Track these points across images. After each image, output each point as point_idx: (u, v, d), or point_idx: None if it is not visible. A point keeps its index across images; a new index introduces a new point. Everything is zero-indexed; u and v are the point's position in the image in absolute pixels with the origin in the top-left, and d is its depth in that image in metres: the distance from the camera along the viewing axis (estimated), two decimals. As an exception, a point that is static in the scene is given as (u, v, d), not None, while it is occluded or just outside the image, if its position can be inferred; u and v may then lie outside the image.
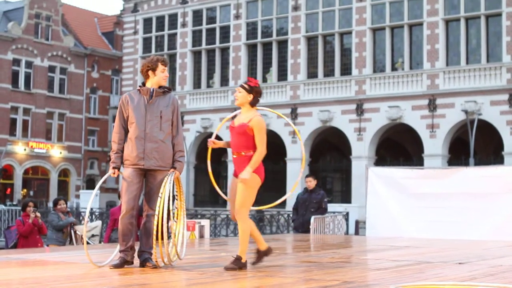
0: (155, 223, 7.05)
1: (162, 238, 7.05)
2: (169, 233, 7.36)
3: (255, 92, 7.34)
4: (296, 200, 15.16)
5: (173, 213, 7.50)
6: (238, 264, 7.08)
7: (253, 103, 7.37)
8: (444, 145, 34.58)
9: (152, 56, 7.74)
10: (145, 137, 7.34)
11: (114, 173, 7.41)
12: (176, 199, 7.65)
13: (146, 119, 7.37)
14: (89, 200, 7.73)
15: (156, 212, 7.06)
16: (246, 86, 7.36)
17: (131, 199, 7.32)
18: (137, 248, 7.45)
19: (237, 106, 7.41)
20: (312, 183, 14.74)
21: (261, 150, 7.27)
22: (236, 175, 7.35)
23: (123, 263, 7.30)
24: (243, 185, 7.16)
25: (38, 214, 12.55)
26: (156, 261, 7.20)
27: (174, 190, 7.56)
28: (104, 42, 56.32)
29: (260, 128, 7.25)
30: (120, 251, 7.36)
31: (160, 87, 7.53)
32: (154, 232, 7.05)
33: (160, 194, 7.12)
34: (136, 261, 7.39)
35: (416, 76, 35.44)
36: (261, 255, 7.55)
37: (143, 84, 7.56)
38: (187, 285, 6.28)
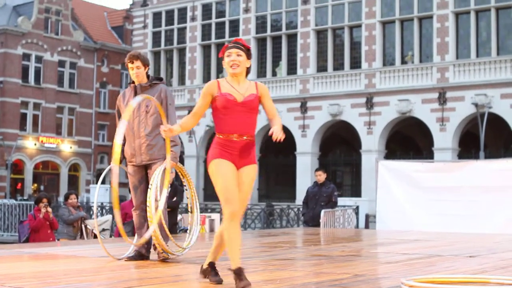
0: (148, 214, 7.09)
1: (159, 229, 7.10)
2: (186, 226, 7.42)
3: (250, 57, 5.69)
4: (306, 193, 15.16)
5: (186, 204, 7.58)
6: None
7: (248, 73, 5.70)
8: (454, 139, 34.50)
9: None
10: (133, 134, 7.44)
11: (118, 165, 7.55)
12: (186, 189, 7.69)
13: (134, 115, 7.43)
14: (95, 193, 7.85)
15: (148, 205, 7.10)
16: (244, 48, 5.62)
17: (138, 194, 7.49)
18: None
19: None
20: (322, 176, 14.73)
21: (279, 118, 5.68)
22: (238, 165, 5.50)
23: (138, 256, 7.42)
24: (252, 181, 5.62)
25: (50, 209, 12.60)
26: (162, 253, 7.29)
27: (170, 181, 7.60)
28: (113, 37, 56.39)
29: (268, 93, 5.72)
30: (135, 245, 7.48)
31: (149, 80, 7.56)
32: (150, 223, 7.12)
33: (150, 186, 7.16)
34: (153, 255, 7.51)
35: (426, 69, 35.35)
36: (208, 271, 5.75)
37: (133, 81, 7.64)
38: (197, 278, 6.28)
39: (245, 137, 5.47)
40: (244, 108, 5.48)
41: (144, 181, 7.50)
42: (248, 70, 5.64)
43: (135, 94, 7.49)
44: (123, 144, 7.56)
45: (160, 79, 7.67)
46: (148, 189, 7.19)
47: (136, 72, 7.51)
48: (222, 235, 5.54)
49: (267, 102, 5.64)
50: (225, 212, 5.38)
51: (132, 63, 7.51)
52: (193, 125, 5.79)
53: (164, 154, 7.43)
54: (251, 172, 5.55)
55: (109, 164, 45.76)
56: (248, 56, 5.63)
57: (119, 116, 7.63)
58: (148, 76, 7.62)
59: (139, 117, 7.45)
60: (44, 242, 12.02)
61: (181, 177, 7.70)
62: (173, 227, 11.39)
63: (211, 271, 5.70)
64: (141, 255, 7.46)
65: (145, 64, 7.58)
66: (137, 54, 7.61)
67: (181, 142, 38.30)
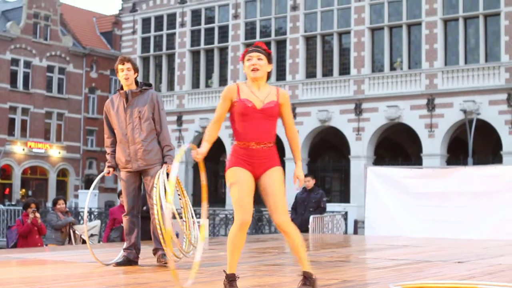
0: (155, 215, 7.08)
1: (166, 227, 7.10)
2: (176, 231, 7.42)
3: (271, 61, 5.49)
4: (295, 199, 15.17)
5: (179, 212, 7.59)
6: (311, 283, 5.47)
7: (269, 78, 5.51)
8: (443, 145, 34.58)
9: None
10: (128, 140, 7.42)
11: (108, 173, 7.59)
12: (180, 198, 7.69)
13: (126, 122, 7.43)
14: (86, 199, 7.85)
15: (154, 203, 7.08)
16: (264, 52, 5.43)
17: (130, 199, 7.46)
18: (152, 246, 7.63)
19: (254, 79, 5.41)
20: (310, 182, 14.75)
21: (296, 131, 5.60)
22: (258, 172, 5.37)
23: (126, 262, 7.41)
24: (281, 182, 5.45)
25: (38, 215, 12.55)
26: (162, 260, 7.29)
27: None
28: (102, 42, 56.30)
29: (289, 102, 5.55)
30: (124, 249, 7.48)
31: (138, 86, 7.55)
32: (158, 226, 7.10)
33: (154, 185, 7.16)
34: (145, 259, 7.51)
35: (414, 76, 35.44)
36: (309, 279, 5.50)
37: (122, 87, 7.60)
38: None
39: (262, 145, 5.31)
40: (263, 115, 5.29)
41: (137, 187, 7.52)
42: (269, 75, 5.43)
43: (126, 100, 7.47)
44: (114, 152, 7.58)
45: (149, 85, 7.66)
46: (154, 189, 7.18)
47: (126, 74, 7.47)
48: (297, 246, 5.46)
49: (287, 111, 5.48)
50: (235, 219, 5.29)
51: (123, 64, 7.50)
52: (218, 133, 5.51)
53: (160, 158, 7.44)
54: (274, 174, 5.36)
55: (97, 169, 45.37)
56: (269, 60, 5.41)
57: (107, 122, 7.61)
58: (137, 83, 7.61)
59: (133, 123, 7.43)
60: (32, 247, 11.98)
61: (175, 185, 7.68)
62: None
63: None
64: (129, 260, 7.45)
65: (135, 68, 7.57)
66: (128, 57, 7.64)
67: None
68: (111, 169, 7.58)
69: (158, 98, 7.55)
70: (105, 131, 7.64)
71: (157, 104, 7.50)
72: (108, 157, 7.63)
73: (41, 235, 12.67)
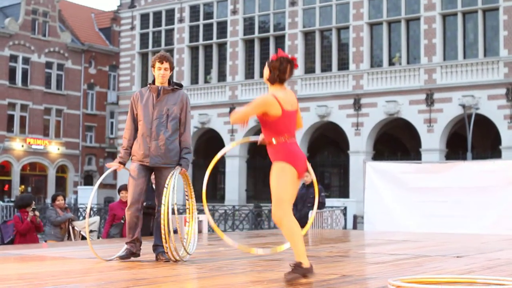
0: (162, 216, 7.13)
1: (170, 231, 7.14)
2: (174, 227, 7.44)
3: (272, 67, 6.13)
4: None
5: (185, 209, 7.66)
6: (299, 271, 5.77)
7: (272, 80, 6.11)
8: (442, 140, 34.60)
9: (160, 51, 7.80)
10: (151, 135, 7.41)
11: (119, 168, 7.55)
12: (187, 198, 7.71)
13: (153, 117, 7.44)
14: (91, 195, 7.84)
15: (163, 203, 7.13)
16: (268, 60, 6.22)
17: (136, 193, 7.44)
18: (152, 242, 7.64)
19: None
20: (309, 177, 14.74)
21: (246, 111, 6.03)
22: (302, 165, 6.04)
23: (130, 255, 7.45)
24: (273, 177, 5.99)
25: (37, 213, 12.54)
26: (168, 255, 7.28)
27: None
28: (101, 38, 56.25)
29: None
30: (127, 243, 7.50)
31: (170, 84, 7.57)
32: (162, 226, 7.13)
33: (165, 185, 7.19)
34: (144, 255, 7.52)
35: (413, 71, 35.43)
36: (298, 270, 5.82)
37: (153, 81, 7.60)
38: (186, 279, 6.29)
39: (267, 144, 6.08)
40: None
41: (146, 182, 7.50)
42: (269, 79, 6.17)
43: (158, 95, 7.48)
44: (131, 145, 7.56)
45: (181, 86, 7.69)
46: (164, 189, 7.20)
47: (164, 74, 7.50)
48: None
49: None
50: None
51: (162, 63, 7.49)
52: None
53: (177, 160, 7.45)
54: (272, 169, 5.96)
55: (96, 165, 45.49)
56: (268, 66, 6.22)
57: (131, 113, 7.61)
58: (169, 81, 7.62)
59: (159, 120, 7.43)
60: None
61: (184, 185, 7.70)
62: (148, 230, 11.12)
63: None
64: (132, 253, 7.47)
65: (172, 68, 7.58)
66: (168, 55, 7.59)
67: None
68: (121, 165, 7.57)
69: (187, 100, 7.62)
70: (127, 122, 7.62)
71: (185, 105, 7.56)
72: (122, 151, 7.59)
73: (38, 232, 12.70)
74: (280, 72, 6.10)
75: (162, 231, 7.13)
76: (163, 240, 7.19)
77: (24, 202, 12.62)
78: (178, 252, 7.30)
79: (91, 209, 29.57)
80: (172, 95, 7.52)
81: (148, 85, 7.60)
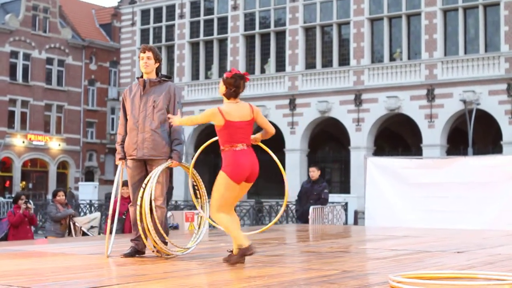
0: (137, 212, 7.15)
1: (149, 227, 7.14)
2: (175, 223, 7.48)
3: (227, 84, 6.86)
4: (301, 189, 15.22)
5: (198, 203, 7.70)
6: (240, 253, 6.70)
7: (227, 95, 6.91)
8: (443, 135, 34.59)
9: None
10: (138, 128, 7.39)
11: (123, 164, 7.55)
12: (197, 190, 7.72)
13: (140, 110, 7.41)
14: (113, 190, 7.84)
15: (138, 202, 7.12)
16: (223, 77, 6.95)
17: (135, 190, 7.43)
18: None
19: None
20: (315, 173, 14.76)
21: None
22: (243, 172, 7.01)
23: (134, 252, 7.42)
24: (216, 184, 6.98)
25: (30, 206, 12.66)
26: (152, 250, 7.29)
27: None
28: (102, 34, 56.22)
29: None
30: (131, 240, 7.50)
31: (157, 76, 7.56)
32: (138, 222, 7.17)
33: (148, 179, 7.17)
34: (148, 251, 7.53)
35: (414, 66, 35.40)
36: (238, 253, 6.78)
37: (142, 75, 7.60)
38: (186, 275, 6.28)
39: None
40: None
41: (143, 177, 7.48)
42: (224, 94, 6.96)
43: (144, 88, 7.47)
44: (123, 140, 7.56)
45: (169, 77, 7.67)
46: (142, 186, 7.19)
47: (146, 62, 7.48)
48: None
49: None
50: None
51: (144, 52, 7.50)
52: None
53: (168, 152, 7.42)
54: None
55: (97, 161, 45.39)
56: (223, 82, 6.94)
57: (124, 110, 7.64)
58: (157, 73, 7.60)
59: (146, 111, 7.42)
60: (23, 237, 12.19)
61: (189, 176, 7.70)
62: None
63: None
64: (137, 251, 7.46)
65: (157, 58, 7.55)
66: (150, 46, 7.60)
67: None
68: (122, 161, 7.58)
69: (176, 90, 7.59)
70: (120, 117, 7.68)
71: (173, 96, 7.53)
72: (118, 147, 7.60)
73: (32, 225, 12.82)
74: (236, 88, 6.86)
75: (139, 227, 7.13)
76: (142, 236, 7.19)
77: (16, 197, 12.99)
78: (160, 246, 7.27)
79: (92, 205, 29.56)
80: (159, 87, 7.51)
81: (136, 79, 7.62)
